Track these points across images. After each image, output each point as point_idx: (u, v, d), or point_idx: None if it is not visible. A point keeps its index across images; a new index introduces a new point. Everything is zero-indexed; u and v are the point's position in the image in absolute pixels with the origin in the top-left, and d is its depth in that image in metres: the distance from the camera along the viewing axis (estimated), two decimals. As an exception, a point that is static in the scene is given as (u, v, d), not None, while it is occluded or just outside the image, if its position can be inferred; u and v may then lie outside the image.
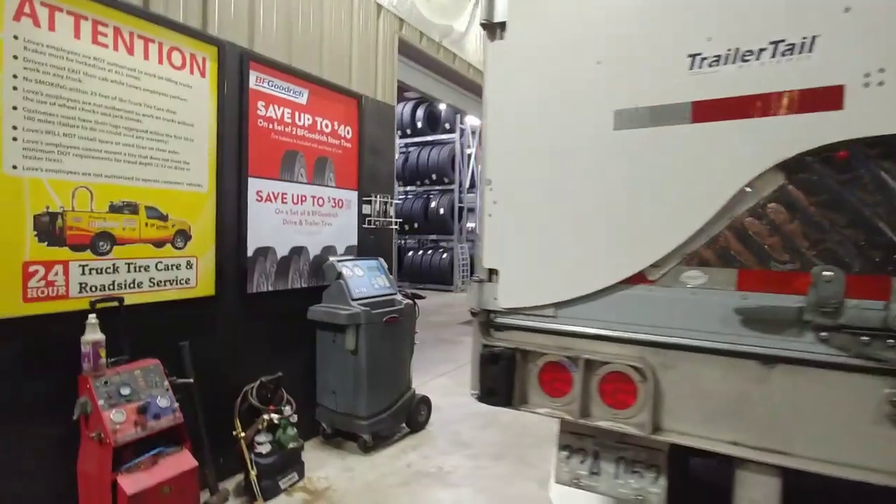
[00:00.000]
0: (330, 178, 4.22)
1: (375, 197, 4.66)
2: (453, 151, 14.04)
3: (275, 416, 3.31)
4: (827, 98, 1.37)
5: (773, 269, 1.46)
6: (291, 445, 3.36)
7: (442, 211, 14.07)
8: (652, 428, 1.60)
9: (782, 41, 1.41)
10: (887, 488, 1.35)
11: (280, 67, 3.75)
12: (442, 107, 13.57)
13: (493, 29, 1.85)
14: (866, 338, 1.35)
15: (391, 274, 4.44)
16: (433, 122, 14.15)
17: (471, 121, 13.63)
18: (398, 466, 3.64)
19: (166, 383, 2.78)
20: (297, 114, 3.89)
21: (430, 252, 14.48)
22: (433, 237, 14.87)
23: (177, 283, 3.13)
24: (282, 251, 3.82)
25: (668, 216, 1.58)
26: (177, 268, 3.12)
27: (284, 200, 3.81)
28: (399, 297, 4.22)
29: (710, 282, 1.54)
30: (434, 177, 14.11)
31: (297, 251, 3.95)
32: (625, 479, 1.77)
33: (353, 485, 3.40)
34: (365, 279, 4.11)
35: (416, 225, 14.43)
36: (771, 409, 1.47)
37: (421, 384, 4.32)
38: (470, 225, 14.85)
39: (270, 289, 3.72)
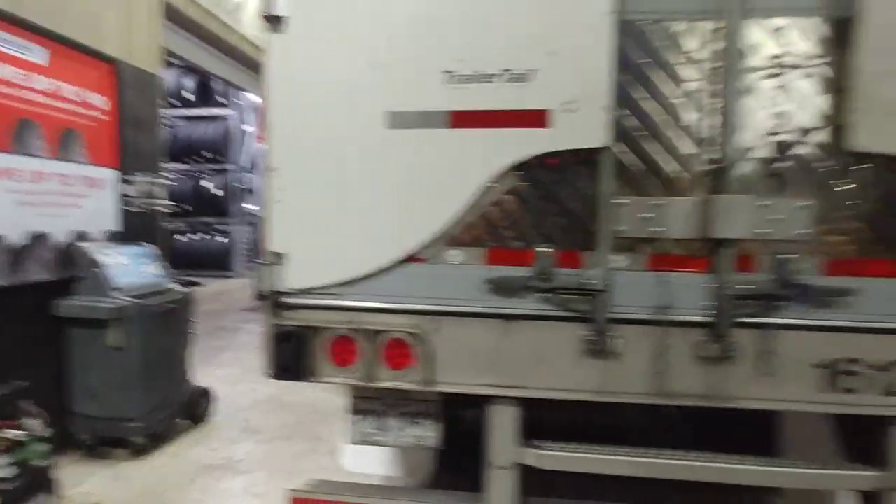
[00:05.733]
0: (81, 154, 3.66)
1: (140, 176, 4.19)
2: (228, 127, 12.98)
3: (18, 434, 2.82)
4: (540, 118, 1.83)
5: (509, 247, 1.89)
6: (41, 464, 2.91)
7: (218, 192, 12.96)
8: (426, 382, 1.93)
9: (510, 70, 1.82)
10: None
11: (5, 17, 3.09)
12: (215, 78, 12.41)
13: (274, 21, 1.91)
14: (569, 296, 1.86)
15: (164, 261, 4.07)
16: (204, 95, 12.83)
17: (251, 96, 12.76)
18: (182, 464, 3.44)
19: None
20: (33, 76, 3.27)
21: (203, 237, 13.25)
22: (206, 220, 13.59)
23: None
24: (17, 238, 3.21)
25: (432, 205, 1.90)
26: None
27: (18, 178, 3.20)
28: (173, 285, 3.92)
29: (467, 259, 1.91)
30: (208, 154, 12.89)
31: (39, 238, 3.36)
32: (407, 431, 2.08)
33: (128, 492, 3.11)
34: (131, 267, 3.70)
35: (186, 207, 12.97)
36: (512, 355, 1.91)
37: (206, 375, 4.10)
38: (251, 206, 13.98)
39: (5, 284, 3.11)
